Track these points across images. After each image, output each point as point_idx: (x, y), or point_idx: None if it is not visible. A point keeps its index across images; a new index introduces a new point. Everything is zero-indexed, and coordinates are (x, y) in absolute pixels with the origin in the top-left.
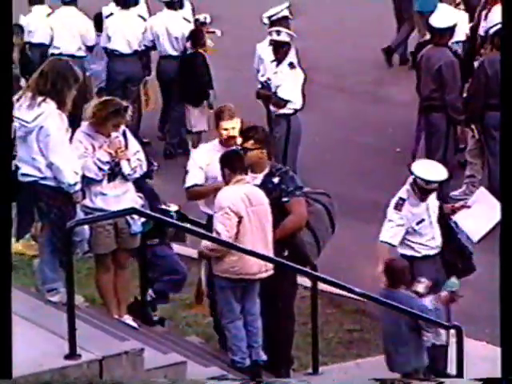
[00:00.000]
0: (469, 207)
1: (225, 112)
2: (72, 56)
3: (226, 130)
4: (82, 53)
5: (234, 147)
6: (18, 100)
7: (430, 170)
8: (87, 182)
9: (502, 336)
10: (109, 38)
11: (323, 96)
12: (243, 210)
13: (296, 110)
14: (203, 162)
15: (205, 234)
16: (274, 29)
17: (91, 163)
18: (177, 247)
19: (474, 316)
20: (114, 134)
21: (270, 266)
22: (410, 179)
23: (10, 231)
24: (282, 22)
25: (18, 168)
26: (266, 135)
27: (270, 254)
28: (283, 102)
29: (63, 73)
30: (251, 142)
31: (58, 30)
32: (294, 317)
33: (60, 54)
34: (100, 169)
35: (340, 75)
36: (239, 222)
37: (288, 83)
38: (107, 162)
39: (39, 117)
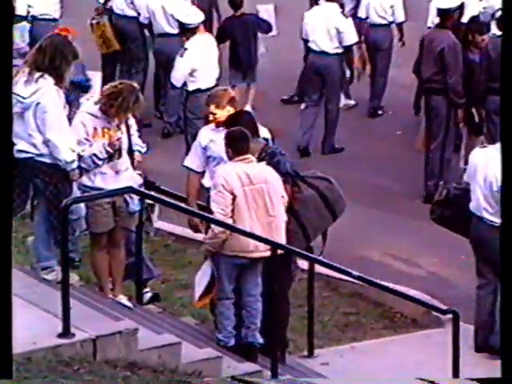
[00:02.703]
0: None
1: (215, 99)
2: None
3: (212, 114)
4: None
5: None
6: (15, 76)
7: None
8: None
9: (502, 336)
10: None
11: None
12: (238, 188)
13: (199, 89)
14: (207, 139)
15: (199, 213)
16: None
17: (87, 156)
18: (174, 228)
19: (473, 300)
20: (114, 124)
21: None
22: None
23: (11, 222)
24: None
25: (14, 144)
26: (246, 122)
27: (276, 232)
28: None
29: (61, 48)
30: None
31: None
32: (288, 299)
33: None
34: (94, 162)
35: None
36: (233, 200)
37: (179, 62)
38: (103, 159)
39: (36, 92)
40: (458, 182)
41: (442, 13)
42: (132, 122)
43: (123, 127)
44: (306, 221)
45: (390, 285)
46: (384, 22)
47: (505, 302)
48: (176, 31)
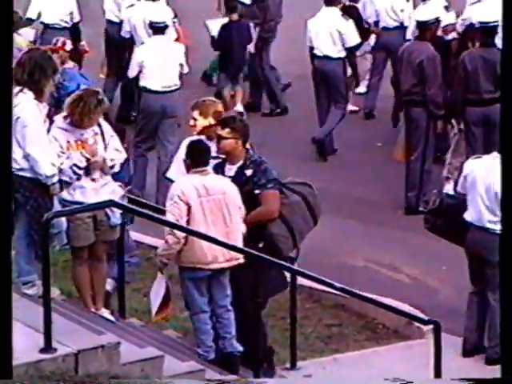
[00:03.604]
0: None
1: (201, 107)
2: None
3: (194, 119)
4: None
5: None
6: None
7: None
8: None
9: (501, 336)
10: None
11: (301, 88)
12: (194, 199)
13: (146, 88)
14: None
15: (180, 226)
16: None
17: (67, 167)
18: (156, 241)
19: (454, 311)
20: (90, 137)
21: (234, 255)
22: None
23: (11, 229)
24: None
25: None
26: (243, 126)
27: (234, 243)
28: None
29: (41, 63)
30: (227, 130)
31: None
32: (259, 313)
33: None
34: (75, 173)
35: None
36: (188, 211)
37: (134, 52)
38: (83, 168)
39: (16, 107)
40: (439, 190)
41: (420, 25)
42: (117, 142)
43: (99, 138)
44: (294, 226)
45: (373, 296)
46: (396, 24)
47: (505, 304)
48: None
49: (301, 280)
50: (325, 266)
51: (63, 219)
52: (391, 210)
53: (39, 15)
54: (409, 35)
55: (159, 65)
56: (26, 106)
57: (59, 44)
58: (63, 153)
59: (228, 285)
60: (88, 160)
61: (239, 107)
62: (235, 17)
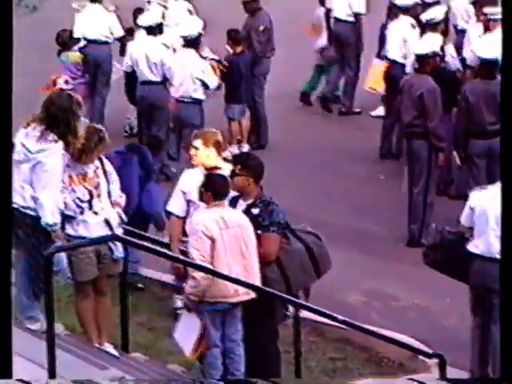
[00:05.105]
0: None
1: (203, 136)
2: None
3: (195, 148)
4: None
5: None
6: (26, 127)
7: None
8: (67, 216)
9: (502, 336)
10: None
11: (309, 122)
12: (217, 233)
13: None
14: (186, 186)
15: (183, 259)
16: None
17: (70, 201)
18: (161, 275)
19: (459, 344)
20: (91, 171)
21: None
22: None
23: (10, 238)
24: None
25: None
26: (255, 164)
27: (252, 276)
28: None
29: (72, 108)
30: (238, 167)
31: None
32: (277, 347)
33: None
34: (78, 206)
35: None
36: (213, 246)
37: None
38: (86, 201)
39: (43, 152)
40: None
41: (419, 58)
42: (109, 166)
43: (100, 172)
44: (290, 273)
45: (376, 329)
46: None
47: (504, 305)
48: (159, 79)
49: (304, 313)
50: (327, 298)
51: (63, 256)
52: (393, 243)
53: (83, 34)
54: (408, 69)
55: (178, 75)
56: (53, 153)
57: (64, 84)
58: (66, 188)
59: (240, 319)
60: (91, 193)
61: (245, 147)
62: (239, 49)
